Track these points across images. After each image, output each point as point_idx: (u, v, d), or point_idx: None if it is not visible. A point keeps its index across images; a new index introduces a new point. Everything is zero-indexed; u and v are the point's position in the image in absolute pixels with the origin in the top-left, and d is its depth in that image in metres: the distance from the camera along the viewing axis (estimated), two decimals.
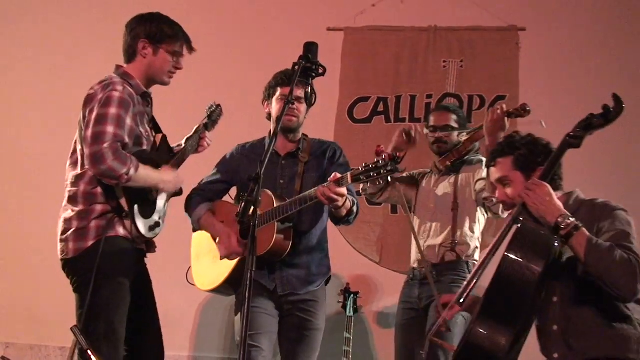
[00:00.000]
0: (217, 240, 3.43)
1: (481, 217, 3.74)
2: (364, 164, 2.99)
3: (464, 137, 3.80)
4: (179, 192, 3.28)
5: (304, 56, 2.67)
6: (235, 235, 3.31)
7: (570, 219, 2.44)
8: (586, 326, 2.47)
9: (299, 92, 3.25)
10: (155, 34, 3.07)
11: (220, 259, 3.39)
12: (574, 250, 2.44)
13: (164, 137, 3.20)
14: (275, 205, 3.22)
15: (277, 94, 3.37)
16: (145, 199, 3.04)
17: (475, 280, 2.63)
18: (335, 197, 3.07)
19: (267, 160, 3.30)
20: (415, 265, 3.74)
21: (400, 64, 5.15)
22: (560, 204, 2.51)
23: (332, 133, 5.01)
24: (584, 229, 2.43)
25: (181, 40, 3.11)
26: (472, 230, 3.68)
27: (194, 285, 3.56)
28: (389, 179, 3.03)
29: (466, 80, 5.03)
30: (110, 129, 2.87)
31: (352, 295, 4.53)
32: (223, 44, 5.25)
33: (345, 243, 4.91)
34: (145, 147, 3.06)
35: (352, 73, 5.21)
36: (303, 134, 3.51)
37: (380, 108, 5.15)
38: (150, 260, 3.26)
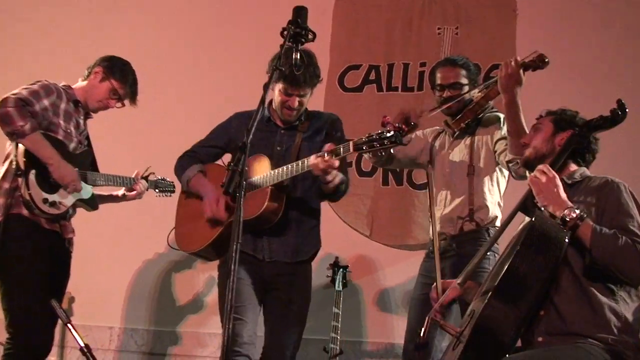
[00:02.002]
0: (204, 202, 3.42)
1: (501, 179, 3.58)
2: (367, 134, 2.99)
3: (475, 93, 3.60)
4: (91, 205, 3.68)
5: (293, 21, 2.64)
6: (224, 200, 3.31)
7: (576, 211, 2.50)
8: (570, 311, 2.51)
9: (306, 90, 3.31)
10: (113, 68, 3.65)
11: (205, 222, 3.39)
12: (580, 240, 2.50)
13: (89, 153, 3.71)
14: (270, 171, 3.23)
15: (280, 86, 3.34)
16: (45, 175, 3.43)
17: (476, 263, 2.69)
18: (328, 168, 3.07)
19: (265, 130, 3.33)
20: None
21: (393, 31, 5.10)
22: (565, 196, 2.57)
23: (322, 102, 4.97)
24: (588, 220, 2.51)
25: (127, 89, 3.67)
26: (491, 194, 3.52)
27: (175, 249, 3.56)
28: (392, 151, 3.03)
29: (461, 48, 4.98)
30: (23, 92, 3.39)
31: (341, 270, 4.53)
32: (209, 6, 5.27)
33: (335, 216, 4.89)
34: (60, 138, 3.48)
35: (343, 39, 5.16)
36: None
37: (372, 76, 5.11)
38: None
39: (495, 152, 3.49)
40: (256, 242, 3.34)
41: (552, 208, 2.57)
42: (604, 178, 2.68)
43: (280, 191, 3.26)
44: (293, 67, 2.75)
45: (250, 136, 2.45)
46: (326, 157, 3.08)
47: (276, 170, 3.21)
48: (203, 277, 4.90)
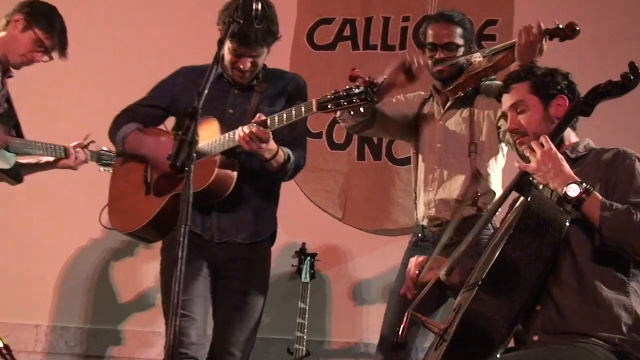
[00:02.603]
0: (145, 158, 3.40)
1: (501, 159, 3.58)
2: (333, 91, 2.98)
3: (478, 58, 3.56)
4: (14, 176, 3.66)
5: None
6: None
7: (582, 184, 2.51)
8: (571, 305, 2.53)
9: (259, 51, 3.28)
10: (36, 15, 3.57)
11: (145, 194, 3.37)
12: (587, 218, 2.51)
13: (10, 117, 3.68)
14: (220, 136, 3.22)
15: (229, 45, 3.30)
16: None
17: (463, 251, 2.71)
18: (256, 142, 3.07)
19: (215, 89, 3.31)
20: (425, 223, 3.58)
21: None
22: (568, 168, 2.58)
23: (287, 61, 4.96)
24: (596, 194, 2.51)
25: (55, 39, 3.63)
26: (495, 175, 3.53)
27: (109, 228, 3.54)
28: (362, 109, 3.02)
29: (450, 0, 5.01)
30: None
31: (308, 258, 4.56)
32: None
33: (301, 195, 4.92)
34: None
35: None
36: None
37: (347, 32, 5.10)
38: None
39: (499, 128, 3.48)
40: (204, 220, 3.34)
41: (553, 183, 2.57)
42: (613, 149, 2.68)
43: (231, 160, 3.25)
44: (253, 20, 2.73)
45: (202, 101, 2.43)
46: (253, 129, 3.07)
47: (225, 136, 3.20)
48: (149, 267, 4.84)
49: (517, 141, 2.81)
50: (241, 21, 2.72)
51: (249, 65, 3.31)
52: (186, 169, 2.35)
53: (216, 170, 3.20)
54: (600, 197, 2.51)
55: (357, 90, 2.92)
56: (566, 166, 2.59)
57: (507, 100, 2.86)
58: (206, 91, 2.47)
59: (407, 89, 3.56)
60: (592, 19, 4.69)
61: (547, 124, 2.75)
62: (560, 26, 3.20)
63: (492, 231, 3.31)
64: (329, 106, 2.97)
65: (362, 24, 5.09)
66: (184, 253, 2.28)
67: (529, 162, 2.65)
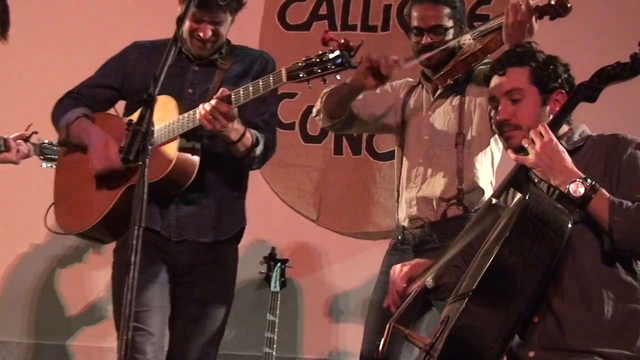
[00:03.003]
0: (89, 150, 3.37)
1: (496, 152, 3.58)
2: (305, 57, 2.98)
3: (467, 40, 3.55)
4: None
5: None
6: (117, 145, 3.25)
7: (588, 181, 2.51)
8: (572, 317, 2.53)
9: (221, 17, 3.27)
10: None
11: (95, 175, 3.34)
12: (594, 219, 2.52)
13: None
14: (178, 116, 3.21)
15: (189, 12, 3.29)
16: None
17: (450, 257, 2.71)
18: (220, 119, 3.07)
19: (173, 65, 3.27)
20: (406, 224, 3.58)
21: None
22: (570, 162, 2.59)
23: (256, 42, 4.94)
24: (603, 191, 2.51)
25: None
26: (484, 171, 3.53)
27: (57, 232, 3.54)
28: (338, 76, 3.00)
29: None
30: None
31: (278, 264, 4.55)
32: None
33: (271, 193, 4.93)
34: None
35: None
36: (226, 39, 3.49)
37: (323, 10, 5.10)
38: None
39: (492, 117, 3.49)
40: (163, 215, 3.33)
41: (556, 180, 2.57)
42: (612, 136, 2.69)
43: (192, 144, 3.24)
44: None
45: (159, 85, 2.42)
46: (217, 105, 3.07)
47: (185, 116, 3.19)
48: (99, 276, 4.81)
49: (507, 134, 2.78)
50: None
51: (209, 33, 3.31)
52: (140, 163, 2.34)
53: (175, 156, 3.18)
54: (608, 195, 2.51)
55: (331, 55, 2.92)
56: (569, 160, 2.59)
57: (500, 83, 2.81)
58: (163, 76, 2.46)
59: (382, 87, 3.53)
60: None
61: (542, 120, 2.72)
62: (552, 2, 3.22)
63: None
64: (301, 75, 2.97)
65: (340, 2, 5.09)
66: (137, 258, 2.26)
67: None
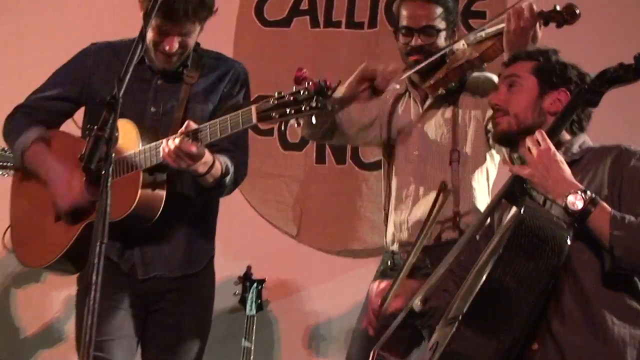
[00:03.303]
0: (49, 187, 3.34)
1: (492, 169, 3.59)
2: (277, 95, 2.96)
3: (462, 45, 3.53)
4: None
5: None
6: (80, 181, 3.25)
7: (587, 193, 2.54)
8: (574, 342, 2.55)
9: (189, 28, 3.24)
10: None
11: (56, 219, 3.33)
12: (594, 234, 2.55)
13: None
14: (140, 147, 3.18)
15: (154, 22, 3.24)
16: None
17: (440, 277, 2.73)
18: (185, 159, 3.05)
19: (134, 77, 3.24)
20: (396, 248, 3.58)
21: None
22: (569, 173, 2.62)
23: (231, 41, 4.97)
24: (604, 204, 2.54)
25: None
26: (480, 189, 3.53)
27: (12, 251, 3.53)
28: (313, 119, 2.99)
29: None
30: None
31: (254, 285, 4.56)
32: None
33: (247, 206, 4.93)
34: None
35: None
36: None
37: (304, 5, 5.12)
38: None
39: (489, 132, 3.48)
40: (124, 251, 3.32)
41: (553, 192, 2.61)
42: (614, 148, 2.72)
43: (158, 177, 3.22)
44: None
45: (124, 87, 2.40)
46: (181, 145, 3.04)
47: (148, 149, 3.15)
48: (58, 296, 4.84)
49: (495, 120, 2.87)
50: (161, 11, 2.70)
51: (176, 46, 3.27)
52: (103, 172, 2.32)
53: (139, 191, 3.17)
54: (609, 209, 2.54)
55: (306, 95, 2.90)
56: (567, 171, 2.62)
57: (504, 71, 2.92)
58: (129, 75, 2.44)
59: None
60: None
61: (534, 113, 2.80)
62: (558, 8, 3.22)
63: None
64: (273, 115, 2.94)
65: None
66: (99, 278, 2.25)
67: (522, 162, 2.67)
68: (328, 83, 2.93)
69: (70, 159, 3.28)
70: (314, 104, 2.88)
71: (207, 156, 3.15)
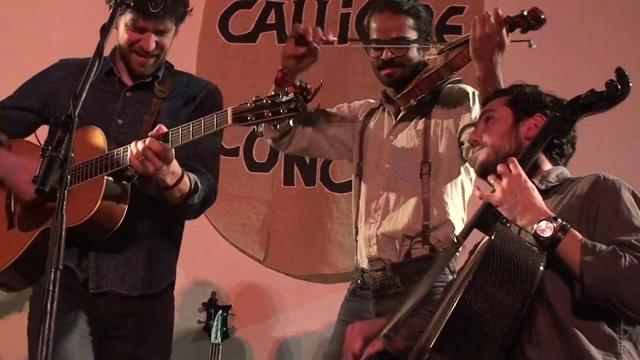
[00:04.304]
0: (8, 181, 3.33)
1: (467, 183, 3.61)
2: (254, 98, 2.98)
3: (433, 55, 3.60)
4: None
5: None
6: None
7: (557, 220, 2.56)
8: None
9: (167, 25, 3.26)
10: None
11: (8, 227, 3.31)
12: (565, 263, 2.56)
13: None
14: (106, 152, 3.18)
15: (127, 18, 3.27)
16: None
17: (411, 306, 2.72)
18: (153, 161, 3.05)
19: (102, 89, 3.26)
20: (366, 266, 3.57)
21: None
22: (540, 200, 2.65)
23: (194, 56, 4.99)
24: (574, 232, 2.56)
25: None
26: (454, 204, 3.54)
27: None
28: (291, 122, 3.02)
29: None
30: None
31: (220, 312, 4.55)
32: None
33: (211, 229, 4.93)
34: None
35: None
36: (166, 61, 3.48)
37: (271, 19, 5.17)
38: None
39: (462, 144, 3.52)
40: (80, 259, 3.30)
41: (522, 220, 2.63)
42: (593, 176, 2.74)
43: (121, 186, 3.22)
44: None
45: (79, 106, 2.41)
46: (151, 144, 3.04)
47: (114, 153, 3.16)
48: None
49: (474, 155, 2.94)
50: (132, 3, 2.70)
51: (153, 45, 3.29)
52: (57, 195, 2.32)
53: (100, 197, 3.16)
54: (580, 237, 2.56)
55: (284, 98, 2.92)
56: (538, 198, 2.66)
57: (481, 111, 3.01)
58: (84, 94, 2.44)
59: (310, 65, 3.55)
60: (577, 14, 4.84)
61: (510, 140, 2.85)
62: (524, 13, 3.27)
63: (449, 279, 3.34)
64: (249, 117, 2.95)
65: (290, 9, 5.18)
66: (53, 306, 2.24)
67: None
68: (308, 86, 2.95)
69: (29, 166, 3.26)
70: (292, 107, 2.90)
71: (176, 167, 3.15)
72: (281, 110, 2.92)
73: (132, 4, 3.08)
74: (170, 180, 3.16)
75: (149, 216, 3.36)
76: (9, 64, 5.01)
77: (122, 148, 3.14)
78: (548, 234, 2.55)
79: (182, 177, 3.19)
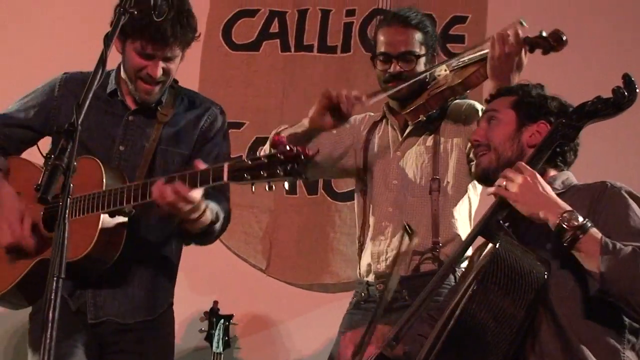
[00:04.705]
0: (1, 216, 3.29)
1: (474, 198, 3.61)
2: (251, 156, 2.95)
3: (443, 71, 3.55)
4: None
5: None
6: (30, 217, 3.22)
7: (579, 219, 2.55)
8: None
9: (175, 51, 3.22)
10: None
11: (5, 248, 3.27)
12: (582, 259, 2.56)
13: None
14: (103, 187, 3.15)
15: (135, 45, 3.23)
16: None
17: (408, 317, 2.72)
18: (179, 202, 3.01)
19: (104, 111, 3.25)
20: (371, 279, 3.58)
21: None
22: (555, 195, 2.64)
23: (197, 65, 4.99)
24: (594, 230, 2.55)
25: None
26: (462, 220, 3.54)
27: None
28: (286, 185, 2.99)
29: None
30: None
31: (222, 321, 4.54)
32: None
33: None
34: None
35: None
36: None
37: (274, 28, 5.17)
38: None
39: (472, 161, 3.48)
40: (75, 291, 3.29)
41: (544, 213, 2.60)
42: (600, 183, 2.75)
43: (119, 220, 3.19)
44: (152, 13, 2.71)
45: (82, 115, 2.40)
46: (177, 186, 2.98)
47: (114, 190, 3.11)
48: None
49: (477, 157, 2.94)
50: (135, 12, 2.69)
51: (160, 71, 3.24)
52: (60, 204, 2.32)
53: (97, 234, 3.12)
54: (600, 234, 2.54)
55: (282, 160, 2.87)
56: (553, 193, 2.65)
57: (484, 109, 3.00)
58: (88, 101, 2.43)
59: (340, 129, 3.52)
60: (578, 18, 4.83)
61: (513, 146, 2.85)
62: (544, 34, 3.26)
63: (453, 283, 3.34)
64: (246, 176, 2.92)
65: (294, 18, 5.17)
66: (56, 314, 2.24)
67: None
68: (306, 151, 2.92)
69: (28, 187, 3.26)
70: (289, 170, 2.87)
71: (201, 202, 3.10)
72: (277, 172, 2.88)
73: (142, 28, 3.10)
74: (194, 215, 3.11)
75: (147, 244, 3.35)
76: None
77: (119, 188, 3.10)
78: (572, 227, 2.53)
79: (205, 210, 3.14)
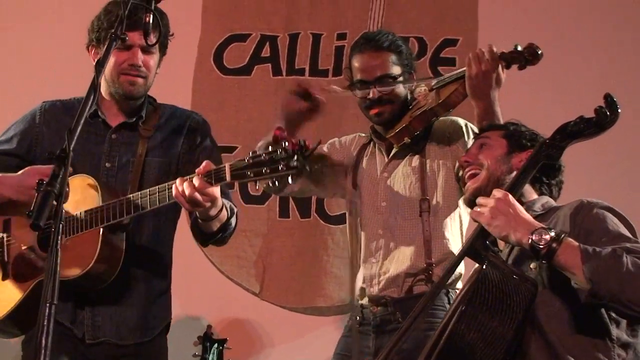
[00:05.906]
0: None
1: (465, 216, 3.59)
2: (251, 154, 2.95)
3: (422, 89, 3.59)
4: None
5: None
6: (33, 236, 3.21)
7: (551, 232, 2.56)
8: None
9: (151, 39, 3.14)
10: None
11: (3, 278, 3.28)
12: (565, 270, 2.56)
13: None
14: (100, 202, 3.16)
15: (111, 50, 3.24)
16: None
17: (397, 340, 2.73)
18: (203, 200, 3.03)
19: (87, 131, 3.25)
20: (365, 302, 3.56)
21: None
22: (527, 215, 2.66)
23: (189, 90, 5.01)
24: (569, 239, 2.56)
25: None
26: (454, 239, 3.53)
27: None
28: (290, 179, 2.99)
29: (399, 13, 5.11)
30: None
31: (215, 345, 4.52)
32: None
33: (207, 263, 4.91)
34: None
35: None
36: (148, 96, 3.47)
37: (266, 52, 5.19)
38: None
39: (461, 180, 3.49)
40: (75, 312, 3.28)
41: (515, 234, 2.61)
42: (576, 201, 2.76)
43: (118, 235, 3.21)
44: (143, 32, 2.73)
45: (74, 139, 2.40)
46: (196, 183, 2.99)
47: (113, 203, 3.12)
48: None
49: (467, 175, 2.95)
50: (126, 37, 2.69)
51: (140, 59, 3.28)
52: (52, 230, 2.31)
53: (97, 250, 3.13)
54: (577, 243, 2.55)
55: (283, 155, 2.89)
56: (525, 213, 2.66)
57: (474, 139, 3.06)
58: (80, 128, 2.44)
59: (315, 118, 3.52)
60: (566, 35, 4.85)
61: (503, 166, 2.89)
62: (519, 48, 3.27)
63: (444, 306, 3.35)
64: (248, 173, 2.92)
65: (285, 42, 5.20)
66: (49, 341, 2.24)
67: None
68: (307, 143, 2.92)
69: (19, 213, 3.27)
70: (291, 164, 2.87)
71: (219, 198, 3.12)
72: (280, 168, 2.88)
73: (127, 38, 3.10)
74: (214, 212, 3.12)
75: (145, 260, 3.35)
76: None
77: (117, 200, 3.12)
78: (545, 242, 2.53)
79: (222, 208, 3.16)
